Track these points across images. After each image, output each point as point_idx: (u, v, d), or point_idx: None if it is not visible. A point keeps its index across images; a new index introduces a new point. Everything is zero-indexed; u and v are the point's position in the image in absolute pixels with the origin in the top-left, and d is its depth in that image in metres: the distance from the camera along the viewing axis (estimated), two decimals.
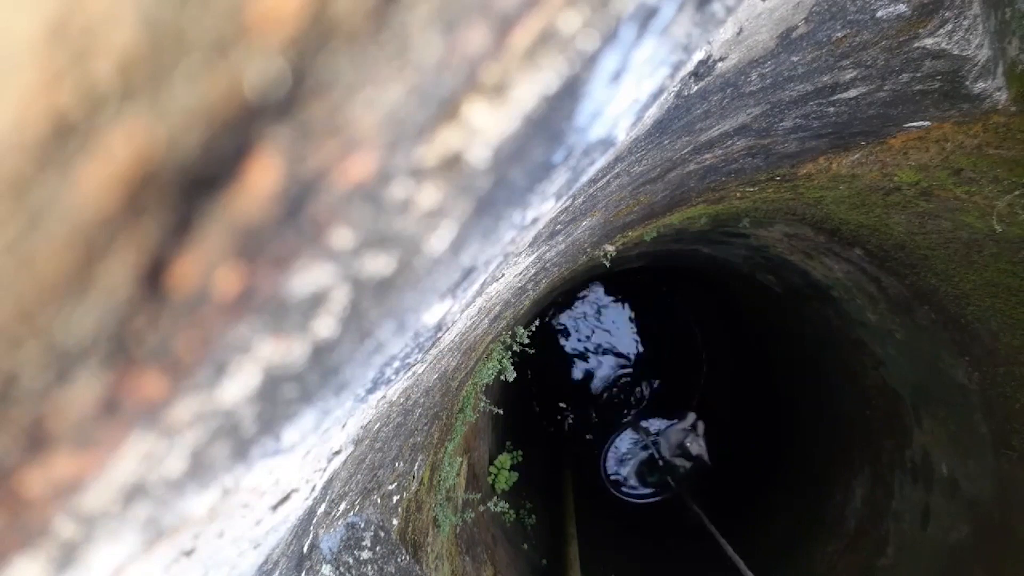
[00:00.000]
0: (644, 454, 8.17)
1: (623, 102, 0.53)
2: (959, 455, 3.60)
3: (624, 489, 8.07)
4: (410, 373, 1.24)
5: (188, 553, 0.65)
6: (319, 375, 0.50)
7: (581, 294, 8.78)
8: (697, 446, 7.73)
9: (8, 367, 0.32)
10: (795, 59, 1.77)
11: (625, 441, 8.38)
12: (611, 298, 8.92)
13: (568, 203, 1.55)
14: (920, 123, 2.36)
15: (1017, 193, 2.45)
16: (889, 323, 3.95)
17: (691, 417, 7.97)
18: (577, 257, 2.95)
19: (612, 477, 8.12)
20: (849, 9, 1.61)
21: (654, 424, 8.39)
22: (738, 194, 3.22)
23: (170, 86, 0.29)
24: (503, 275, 1.63)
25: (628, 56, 0.47)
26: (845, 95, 2.12)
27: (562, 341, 8.79)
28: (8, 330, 0.31)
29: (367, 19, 0.32)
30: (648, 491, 8.02)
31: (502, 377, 3.28)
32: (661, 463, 7.92)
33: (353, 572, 1.72)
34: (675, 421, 8.12)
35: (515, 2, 0.36)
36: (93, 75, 0.27)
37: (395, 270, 0.46)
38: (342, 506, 1.69)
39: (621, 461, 8.25)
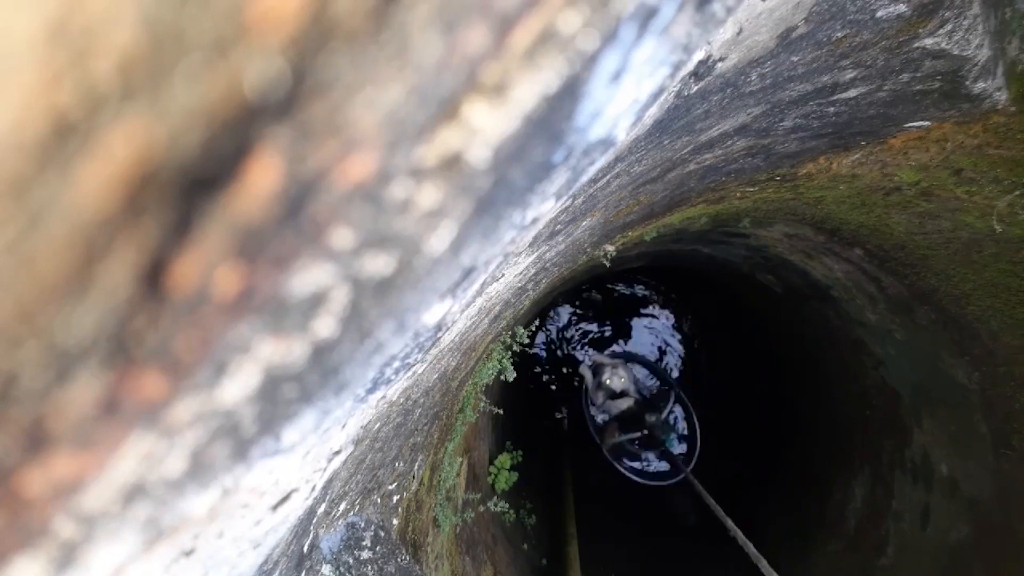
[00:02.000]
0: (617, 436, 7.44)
1: (623, 102, 0.53)
2: (959, 455, 3.60)
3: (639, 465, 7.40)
4: (410, 373, 1.24)
5: (188, 553, 0.65)
6: (319, 375, 0.50)
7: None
8: (615, 379, 6.79)
9: (8, 367, 0.32)
10: (795, 59, 1.77)
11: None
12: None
13: (568, 203, 1.55)
14: (920, 123, 2.36)
15: (1017, 193, 2.45)
16: (889, 323, 3.95)
17: (586, 366, 7.10)
18: (577, 257, 2.95)
19: (627, 465, 7.53)
20: (849, 9, 1.61)
21: (598, 411, 7.53)
22: (738, 194, 3.23)
23: (170, 86, 0.29)
24: (503, 275, 1.63)
25: (628, 56, 0.48)
26: (845, 95, 2.12)
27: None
28: (8, 330, 0.31)
29: (367, 19, 0.32)
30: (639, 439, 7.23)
31: (502, 377, 3.28)
32: (625, 417, 7.18)
33: (353, 572, 1.72)
34: (584, 384, 7.32)
35: (515, 2, 0.36)
36: (93, 75, 0.27)
37: (395, 270, 0.46)
38: (342, 506, 1.69)
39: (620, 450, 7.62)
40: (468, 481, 3.87)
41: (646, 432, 6.99)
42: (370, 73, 0.34)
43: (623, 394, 6.95)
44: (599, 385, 6.97)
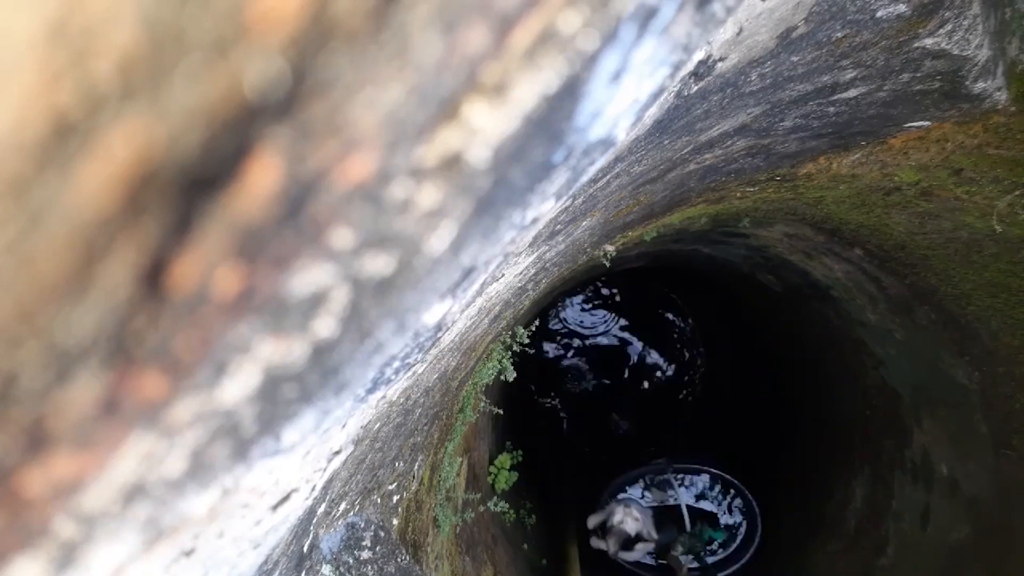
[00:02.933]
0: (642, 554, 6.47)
1: (623, 102, 0.53)
2: (959, 455, 3.60)
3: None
4: (410, 373, 1.24)
5: (188, 553, 0.65)
6: (319, 375, 0.50)
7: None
8: (628, 520, 6.16)
9: (8, 367, 0.32)
10: (795, 59, 1.77)
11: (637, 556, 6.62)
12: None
13: (568, 203, 1.55)
14: (920, 123, 2.36)
15: (1017, 193, 2.45)
16: (889, 323, 3.95)
17: (596, 539, 6.29)
18: (577, 257, 2.95)
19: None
20: (849, 9, 1.61)
21: (630, 556, 6.42)
22: (738, 194, 3.22)
23: (170, 86, 0.29)
24: (503, 275, 1.63)
25: (628, 56, 0.48)
26: (845, 95, 2.12)
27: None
28: (8, 330, 0.31)
29: (367, 19, 0.32)
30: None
31: (502, 377, 3.28)
32: (656, 553, 6.40)
33: (353, 572, 1.72)
34: (613, 553, 6.42)
35: (515, 2, 0.36)
36: (93, 75, 0.27)
37: (395, 270, 0.46)
38: (342, 506, 1.69)
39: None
40: (468, 481, 3.87)
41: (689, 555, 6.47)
42: (370, 73, 0.34)
43: (639, 537, 6.27)
44: (610, 532, 6.28)
